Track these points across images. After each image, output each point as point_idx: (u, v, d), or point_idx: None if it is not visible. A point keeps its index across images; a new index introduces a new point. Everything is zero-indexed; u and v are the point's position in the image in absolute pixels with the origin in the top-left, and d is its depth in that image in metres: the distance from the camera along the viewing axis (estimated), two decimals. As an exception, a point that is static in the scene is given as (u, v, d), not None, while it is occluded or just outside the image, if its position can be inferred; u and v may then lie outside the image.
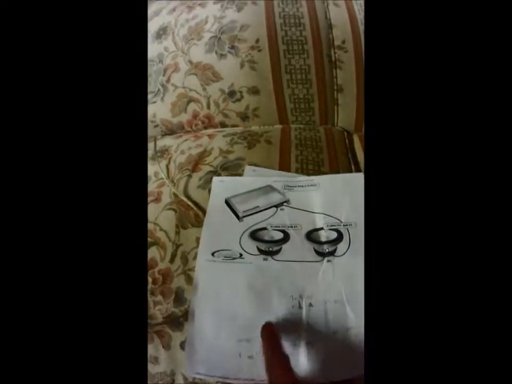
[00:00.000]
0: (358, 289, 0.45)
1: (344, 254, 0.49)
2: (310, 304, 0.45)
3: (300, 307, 0.45)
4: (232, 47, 0.68)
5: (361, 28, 0.71)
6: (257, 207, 0.53)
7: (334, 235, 0.51)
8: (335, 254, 0.49)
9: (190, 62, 0.69)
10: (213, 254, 0.49)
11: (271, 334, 0.42)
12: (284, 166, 0.59)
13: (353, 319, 0.44)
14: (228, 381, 0.44)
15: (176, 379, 0.46)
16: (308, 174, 0.58)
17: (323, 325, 0.45)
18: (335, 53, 0.69)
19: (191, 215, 0.54)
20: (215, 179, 0.57)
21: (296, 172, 0.59)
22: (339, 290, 0.46)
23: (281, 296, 0.46)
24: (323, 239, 0.50)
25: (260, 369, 0.43)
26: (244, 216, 0.53)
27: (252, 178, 0.58)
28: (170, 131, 0.72)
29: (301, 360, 0.44)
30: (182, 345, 0.46)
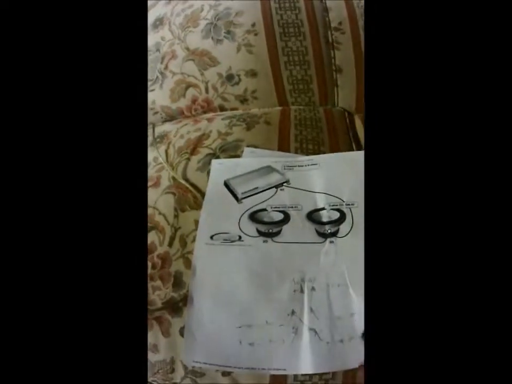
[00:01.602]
0: (362, 272, 0.39)
1: (347, 234, 0.42)
2: (313, 288, 0.40)
3: (302, 291, 0.40)
4: (228, 32, 0.62)
5: (358, 10, 0.65)
6: (257, 188, 0.47)
7: (336, 215, 0.44)
8: (338, 235, 0.43)
9: (187, 48, 0.63)
10: (211, 237, 0.43)
11: None
12: (283, 146, 0.53)
13: (357, 303, 0.38)
14: (227, 369, 0.39)
15: (176, 367, 0.41)
16: (308, 154, 0.52)
17: (326, 310, 0.39)
18: (332, 34, 0.63)
19: (189, 197, 0.48)
20: (214, 161, 0.51)
21: (296, 151, 0.52)
22: (342, 273, 0.40)
23: (282, 280, 0.40)
24: (325, 219, 0.44)
25: (260, 357, 0.38)
26: (243, 198, 0.46)
27: (251, 159, 0.51)
28: (170, 117, 0.66)
29: (304, 348, 0.38)
30: (182, 332, 0.41)
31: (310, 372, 0.38)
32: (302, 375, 0.40)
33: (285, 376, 0.40)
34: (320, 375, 0.40)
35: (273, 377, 0.40)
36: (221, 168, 0.50)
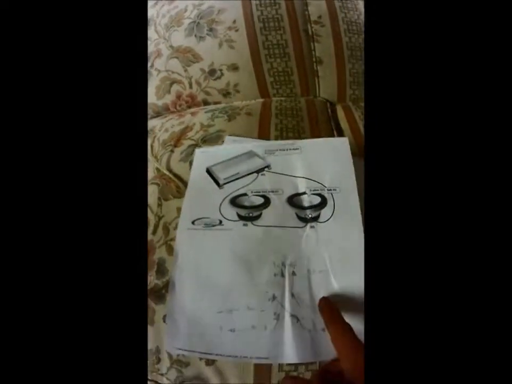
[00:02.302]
0: (343, 258, 0.37)
1: (328, 220, 0.40)
2: (293, 273, 0.37)
3: (283, 275, 0.37)
4: (211, 29, 0.61)
5: (337, 4, 0.64)
6: (238, 173, 0.45)
7: (317, 200, 0.42)
8: (319, 220, 0.40)
9: (171, 47, 0.62)
10: (193, 222, 0.41)
11: (330, 307, 0.35)
12: (263, 135, 0.51)
13: (339, 291, 0.36)
14: (210, 357, 0.36)
15: (161, 357, 0.39)
16: (288, 140, 0.50)
17: (308, 297, 0.36)
18: (311, 27, 0.61)
19: (172, 187, 0.46)
20: (197, 150, 0.49)
21: (276, 139, 0.50)
22: (323, 259, 0.38)
23: (262, 263, 0.38)
24: (306, 204, 0.42)
25: (242, 344, 0.35)
26: (225, 183, 0.44)
27: (234, 145, 0.49)
28: (157, 113, 0.65)
29: (286, 335, 0.35)
30: (165, 319, 0.38)
31: (294, 361, 0.35)
32: (287, 365, 0.37)
33: (269, 367, 0.38)
34: (306, 365, 0.37)
35: (257, 367, 0.38)
36: (204, 156, 0.48)
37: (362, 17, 0.66)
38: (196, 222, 0.42)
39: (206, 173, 0.46)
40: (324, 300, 0.36)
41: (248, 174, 0.46)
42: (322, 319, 0.35)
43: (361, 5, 0.67)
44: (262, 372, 0.38)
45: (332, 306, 0.35)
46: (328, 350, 0.35)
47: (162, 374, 0.39)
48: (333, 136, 0.54)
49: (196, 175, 0.47)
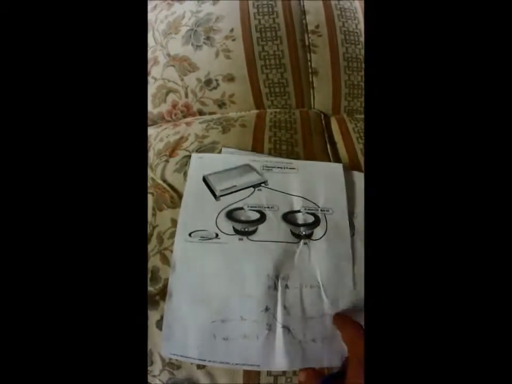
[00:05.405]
0: (333, 275, 0.41)
1: (320, 238, 0.44)
2: (286, 286, 0.40)
3: (276, 288, 0.40)
4: (208, 38, 0.62)
5: (336, 12, 0.66)
6: (235, 186, 0.47)
7: (311, 219, 0.45)
8: (312, 238, 0.43)
9: (168, 55, 0.64)
10: (190, 234, 0.44)
11: (342, 315, 0.40)
12: (257, 147, 0.53)
13: (328, 305, 0.40)
14: (203, 363, 0.39)
15: (154, 360, 0.41)
16: (281, 154, 0.52)
17: (299, 309, 0.40)
18: (308, 37, 0.63)
19: (166, 197, 0.48)
20: (194, 155, 0.51)
21: (269, 152, 0.53)
22: (315, 275, 0.41)
23: (257, 276, 0.41)
24: (300, 221, 0.45)
25: (235, 352, 0.39)
26: (221, 196, 0.46)
27: (231, 156, 0.51)
28: (152, 122, 0.67)
29: (277, 345, 0.39)
30: (158, 324, 0.41)
31: (284, 369, 0.39)
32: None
33: (258, 371, 0.40)
34: (294, 370, 0.40)
35: (246, 371, 0.40)
36: (201, 162, 0.50)
37: (360, 26, 0.68)
38: (192, 234, 0.44)
39: (202, 182, 0.48)
40: (337, 314, 0.40)
41: (245, 188, 0.48)
42: (312, 330, 0.39)
43: (359, 14, 0.69)
44: (251, 376, 0.40)
45: (344, 314, 0.39)
46: (318, 358, 0.39)
47: (154, 376, 0.42)
48: (325, 148, 0.56)
49: (193, 183, 0.49)
